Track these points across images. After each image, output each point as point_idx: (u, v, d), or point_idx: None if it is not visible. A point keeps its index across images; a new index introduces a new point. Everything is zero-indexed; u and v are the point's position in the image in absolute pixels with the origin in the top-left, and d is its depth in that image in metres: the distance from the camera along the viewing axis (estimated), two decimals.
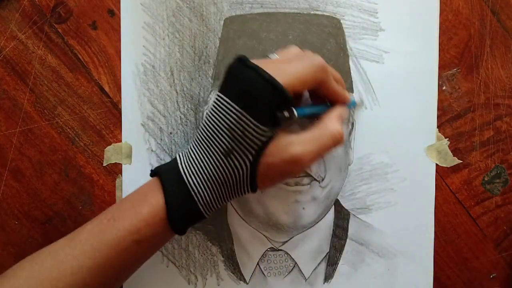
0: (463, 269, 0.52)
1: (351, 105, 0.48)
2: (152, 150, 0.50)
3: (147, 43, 0.50)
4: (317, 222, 0.51)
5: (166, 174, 0.41)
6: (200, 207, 0.41)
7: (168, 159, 0.50)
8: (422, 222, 0.51)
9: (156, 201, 0.40)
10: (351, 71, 0.50)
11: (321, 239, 0.51)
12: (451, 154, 0.51)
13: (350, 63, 0.50)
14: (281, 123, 0.40)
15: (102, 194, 0.50)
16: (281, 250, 0.50)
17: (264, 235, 0.50)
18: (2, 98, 0.50)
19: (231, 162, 0.40)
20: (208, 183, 0.41)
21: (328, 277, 0.51)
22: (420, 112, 0.51)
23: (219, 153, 0.40)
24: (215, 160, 0.40)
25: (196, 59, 0.50)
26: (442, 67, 0.51)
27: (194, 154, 0.41)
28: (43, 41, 0.50)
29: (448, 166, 0.51)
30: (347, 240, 0.51)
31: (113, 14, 0.50)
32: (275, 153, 0.40)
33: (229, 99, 0.39)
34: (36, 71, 0.50)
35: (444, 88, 0.51)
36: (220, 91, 0.41)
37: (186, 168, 0.41)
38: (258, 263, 0.50)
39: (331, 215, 0.51)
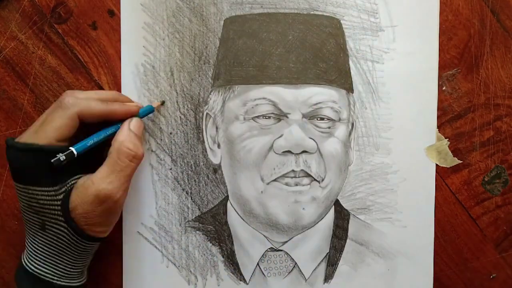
0: (463, 269, 0.52)
1: (145, 112, 0.47)
2: (152, 150, 0.50)
3: (147, 44, 0.50)
4: (317, 223, 0.51)
5: (18, 279, 0.44)
6: (56, 282, 0.43)
7: (168, 159, 0.50)
8: (422, 222, 0.51)
9: None
10: (351, 71, 0.50)
11: (321, 239, 0.51)
12: (451, 154, 0.51)
13: (350, 63, 0.50)
14: (63, 170, 0.41)
15: None
16: (281, 250, 0.50)
17: (264, 236, 0.50)
18: (2, 98, 0.50)
19: (50, 232, 0.42)
20: (47, 260, 0.43)
21: (328, 277, 0.51)
22: (420, 112, 0.51)
23: (37, 229, 0.42)
24: (38, 238, 0.43)
25: (196, 59, 0.50)
26: (442, 67, 0.51)
27: (28, 242, 0.44)
28: (43, 41, 0.50)
29: (448, 166, 0.51)
30: (347, 240, 0.51)
31: (113, 14, 0.50)
32: (81, 202, 0.42)
33: (16, 181, 0.42)
34: (36, 72, 0.50)
35: (444, 88, 0.51)
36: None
37: (28, 260, 0.43)
38: (258, 264, 0.50)
39: (331, 215, 0.51)
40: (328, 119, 0.49)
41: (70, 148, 0.42)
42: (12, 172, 0.42)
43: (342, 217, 0.51)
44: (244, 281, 0.50)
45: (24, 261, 0.43)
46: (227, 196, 0.50)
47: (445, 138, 0.51)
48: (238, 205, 0.50)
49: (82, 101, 0.43)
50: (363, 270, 0.51)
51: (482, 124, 0.51)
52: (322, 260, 0.51)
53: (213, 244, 0.50)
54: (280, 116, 0.49)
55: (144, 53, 0.50)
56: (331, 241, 0.51)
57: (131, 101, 0.48)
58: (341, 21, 0.50)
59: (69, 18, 0.50)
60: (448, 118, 0.51)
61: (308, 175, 0.49)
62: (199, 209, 0.50)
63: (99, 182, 0.42)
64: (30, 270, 0.43)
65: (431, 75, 0.51)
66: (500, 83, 0.51)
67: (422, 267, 0.51)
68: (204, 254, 0.50)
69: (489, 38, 0.51)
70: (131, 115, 0.45)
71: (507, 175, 0.51)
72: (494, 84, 0.51)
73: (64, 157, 0.41)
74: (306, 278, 0.51)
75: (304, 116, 0.49)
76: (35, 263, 0.43)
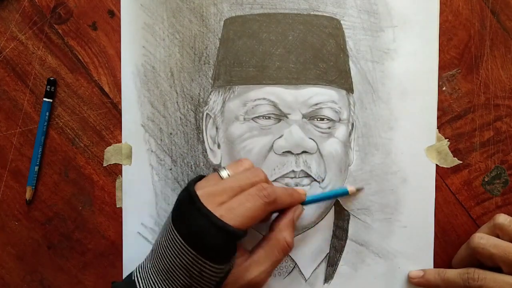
0: None
1: (341, 194, 0.49)
2: (152, 151, 0.50)
3: (147, 44, 0.50)
4: (317, 223, 0.51)
5: None
6: None
7: (168, 160, 0.50)
8: (422, 222, 0.51)
9: None
10: (351, 72, 0.50)
11: (321, 239, 0.51)
12: (451, 154, 0.51)
13: (350, 63, 0.50)
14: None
15: (102, 194, 0.50)
16: None
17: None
18: (2, 99, 0.50)
19: None
20: None
21: (328, 277, 0.51)
22: (420, 112, 0.51)
23: (178, 286, 0.41)
24: None
25: (196, 59, 0.50)
26: (442, 67, 0.51)
27: (153, 283, 0.41)
28: (43, 41, 0.50)
29: (448, 167, 0.51)
30: (347, 240, 0.51)
31: (113, 14, 0.50)
32: (234, 282, 0.42)
33: (182, 238, 0.40)
34: (36, 72, 0.50)
35: (444, 88, 0.51)
36: (173, 222, 0.41)
37: None
38: None
39: (331, 215, 0.51)
40: (328, 120, 0.49)
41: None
42: (186, 233, 0.40)
43: (342, 217, 0.51)
44: None
45: None
46: None
47: (445, 138, 0.51)
48: None
49: (278, 195, 0.43)
50: (363, 270, 0.51)
51: (482, 124, 0.51)
52: (322, 261, 0.51)
53: None
54: (280, 116, 0.49)
55: (144, 53, 0.50)
56: (331, 242, 0.51)
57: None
58: (341, 22, 0.50)
59: (69, 18, 0.50)
60: (448, 119, 0.51)
61: (308, 175, 0.49)
62: None
63: (254, 267, 0.42)
64: None
65: (431, 76, 0.51)
66: (500, 84, 0.51)
67: (422, 267, 0.51)
68: None
69: (489, 38, 0.51)
70: (298, 203, 0.46)
71: (507, 176, 0.51)
72: (494, 85, 0.51)
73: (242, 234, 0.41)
74: (306, 279, 0.51)
75: (304, 116, 0.49)
76: None
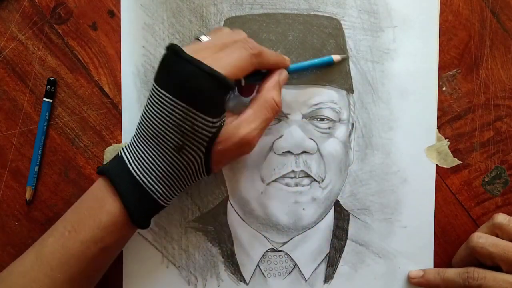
0: None
1: (326, 62, 0.48)
2: None
3: (147, 44, 0.50)
4: (317, 223, 0.51)
5: (117, 178, 0.41)
6: (160, 201, 0.41)
7: None
8: (422, 222, 0.51)
9: (114, 208, 0.40)
10: (351, 72, 0.50)
11: (321, 240, 0.51)
12: (451, 154, 0.51)
13: (350, 63, 0.50)
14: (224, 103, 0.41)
15: None
16: (281, 251, 0.50)
17: (264, 236, 0.50)
18: (2, 99, 0.50)
19: (184, 157, 0.40)
20: (164, 179, 0.41)
21: (328, 278, 0.51)
22: (420, 112, 0.51)
23: (170, 149, 0.40)
24: (167, 157, 0.40)
25: None
26: (442, 68, 0.51)
27: (143, 152, 0.41)
28: (43, 42, 0.50)
29: (448, 167, 0.51)
30: (347, 241, 0.51)
31: (113, 15, 0.50)
32: (226, 140, 0.41)
33: (170, 94, 0.39)
34: (36, 72, 0.50)
35: (444, 89, 0.51)
36: (157, 84, 0.40)
37: (138, 167, 0.41)
38: (258, 264, 0.50)
39: (331, 216, 0.51)
40: (328, 120, 0.49)
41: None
42: (174, 86, 0.39)
43: (342, 217, 0.51)
44: (244, 281, 0.50)
45: (133, 170, 0.40)
46: (227, 196, 0.50)
47: (445, 138, 0.51)
48: (238, 205, 0.50)
49: (263, 50, 0.43)
50: (363, 270, 0.51)
51: (482, 124, 0.51)
52: (322, 261, 0.51)
53: (213, 244, 0.50)
54: (280, 116, 0.49)
55: (144, 53, 0.50)
56: (331, 242, 0.51)
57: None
58: (341, 22, 0.50)
59: (69, 18, 0.50)
60: (448, 119, 0.51)
61: (308, 175, 0.49)
62: (199, 210, 0.50)
63: (246, 125, 0.42)
64: (141, 182, 0.40)
65: (431, 76, 0.51)
66: (500, 84, 0.51)
67: (422, 267, 0.51)
68: (204, 255, 0.50)
69: (489, 38, 0.51)
70: (282, 67, 0.45)
71: (507, 176, 0.51)
72: (494, 85, 0.51)
73: (238, 85, 0.41)
74: (306, 279, 0.51)
75: (304, 116, 0.49)
76: (148, 176, 0.40)
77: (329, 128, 0.49)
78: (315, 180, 0.49)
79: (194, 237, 0.50)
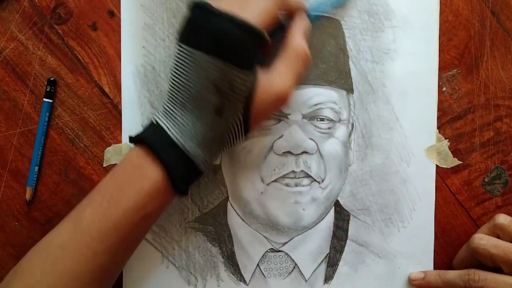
0: None
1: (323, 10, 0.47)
2: None
3: (147, 44, 0.50)
4: (317, 223, 0.51)
5: (158, 145, 0.40)
6: (202, 168, 0.41)
7: None
8: (422, 222, 0.51)
9: (156, 174, 0.39)
10: (351, 72, 0.50)
11: (321, 240, 0.51)
12: (451, 155, 0.51)
13: (350, 64, 0.50)
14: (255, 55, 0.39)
15: None
16: (281, 251, 0.50)
17: (264, 236, 0.50)
18: (2, 99, 0.50)
19: (224, 119, 0.40)
20: (206, 144, 0.40)
21: (328, 278, 0.51)
22: (420, 113, 0.51)
23: (210, 112, 0.39)
24: (208, 121, 0.39)
25: None
26: (442, 68, 0.51)
27: (181, 117, 0.40)
28: (43, 42, 0.50)
29: (448, 167, 0.51)
30: (347, 241, 0.51)
31: (113, 15, 0.50)
32: (262, 97, 0.40)
33: (204, 52, 0.38)
34: (36, 72, 0.50)
35: (444, 89, 0.51)
36: (185, 43, 0.39)
37: (178, 133, 0.40)
38: (258, 264, 0.50)
39: (331, 216, 0.51)
40: (328, 120, 0.49)
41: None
42: (208, 43, 0.37)
43: (342, 217, 0.51)
44: (244, 282, 0.50)
45: (174, 136, 0.39)
46: (227, 197, 0.50)
47: (445, 138, 0.51)
48: (238, 206, 0.50)
49: None
50: (363, 270, 0.51)
51: (482, 124, 0.51)
52: (322, 261, 0.51)
53: (213, 245, 0.50)
54: (280, 116, 0.49)
55: (144, 53, 0.50)
56: (331, 242, 0.51)
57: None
58: (341, 22, 0.50)
59: (69, 19, 0.50)
60: (448, 119, 0.51)
61: (308, 175, 0.49)
62: (199, 210, 0.50)
63: (280, 79, 0.40)
64: (182, 148, 0.39)
65: (431, 76, 0.51)
66: (500, 84, 0.51)
67: (422, 267, 0.51)
68: (204, 255, 0.50)
69: (489, 39, 0.51)
70: (300, 11, 0.43)
71: (507, 176, 0.51)
72: (494, 85, 0.51)
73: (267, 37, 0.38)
74: (306, 279, 0.51)
75: (304, 116, 0.49)
76: (190, 142, 0.39)
77: (329, 128, 0.49)
78: (315, 180, 0.49)
79: (194, 237, 0.50)
